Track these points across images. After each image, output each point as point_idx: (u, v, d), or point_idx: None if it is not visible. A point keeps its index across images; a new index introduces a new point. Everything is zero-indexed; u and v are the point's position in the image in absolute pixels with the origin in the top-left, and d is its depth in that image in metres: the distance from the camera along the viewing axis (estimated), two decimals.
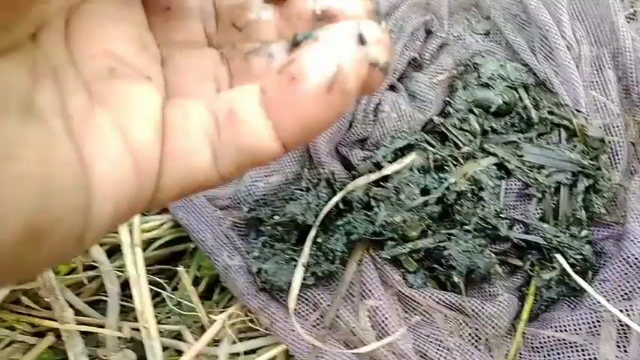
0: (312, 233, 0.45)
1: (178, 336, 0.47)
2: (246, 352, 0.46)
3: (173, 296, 0.48)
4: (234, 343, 0.46)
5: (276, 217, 0.46)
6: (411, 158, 0.47)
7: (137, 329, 0.46)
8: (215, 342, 0.46)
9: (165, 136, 0.18)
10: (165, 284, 0.48)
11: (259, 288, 0.46)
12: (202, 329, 0.47)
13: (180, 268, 0.47)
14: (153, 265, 0.49)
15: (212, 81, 0.21)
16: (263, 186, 0.49)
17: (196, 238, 0.47)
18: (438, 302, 0.45)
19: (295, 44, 0.19)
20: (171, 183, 0.18)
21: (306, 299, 0.46)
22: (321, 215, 0.45)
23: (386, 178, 0.47)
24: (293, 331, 0.44)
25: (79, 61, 0.18)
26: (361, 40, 0.18)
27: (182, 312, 0.47)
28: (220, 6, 0.22)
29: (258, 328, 0.45)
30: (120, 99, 0.18)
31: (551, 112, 0.51)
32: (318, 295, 0.46)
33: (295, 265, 0.45)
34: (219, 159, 0.18)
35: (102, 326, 0.46)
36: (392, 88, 0.53)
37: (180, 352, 0.45)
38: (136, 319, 0.45)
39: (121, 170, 0.17)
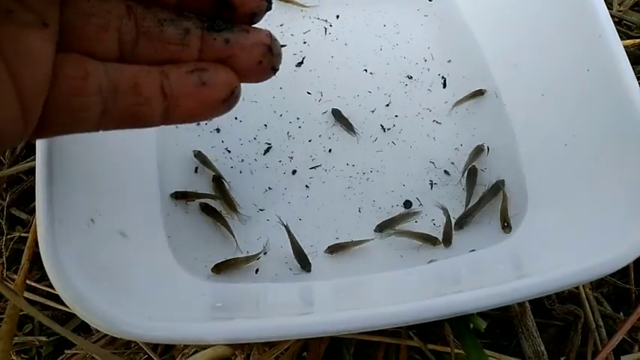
0: None
1: None
2: None
3: None
4: None
5: None
6: None
7: None
8: None
9: (60, 90, 0.19)
10: None
11: None
12: None
13: None
14: None
15: (116, 33, 0.21)
16: None
17: None
18: None
19: (213, 29, 0.22)
20: (54, 128, 0.20)
21: None
22: None
23: None
24: None
25: None
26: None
27: None
28: None
29: None
30: (14, 45, 0.18)
31: None
32: None
33: None
34: (107, 118, 0.20)
35: None
36: None
37: None
38: None
39: (9, 113, 0.18)
